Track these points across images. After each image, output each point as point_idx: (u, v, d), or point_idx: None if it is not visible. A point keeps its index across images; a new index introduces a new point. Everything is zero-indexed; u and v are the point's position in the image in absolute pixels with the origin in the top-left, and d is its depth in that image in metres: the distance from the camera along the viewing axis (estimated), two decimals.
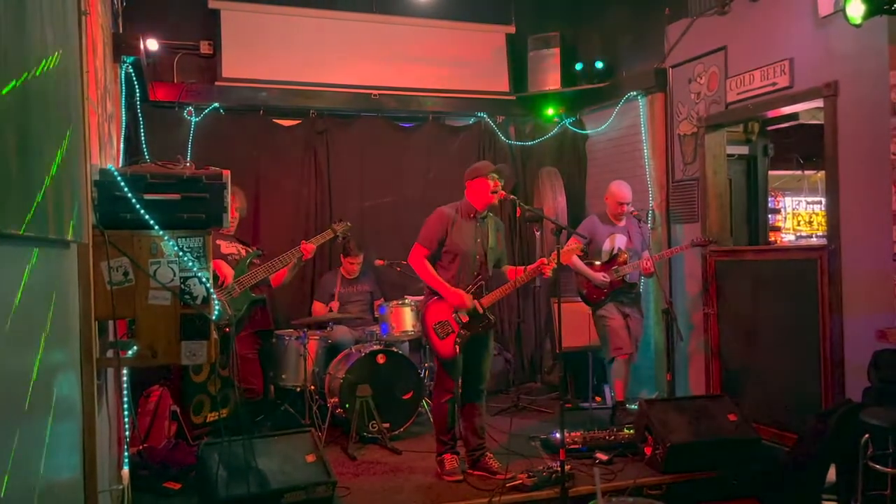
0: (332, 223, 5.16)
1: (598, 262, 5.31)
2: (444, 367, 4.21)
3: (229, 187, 2.79)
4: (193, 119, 5.95)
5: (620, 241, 5.31)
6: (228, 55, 6.14)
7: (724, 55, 5.29)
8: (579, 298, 5.49)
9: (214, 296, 4.01)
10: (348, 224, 5.13)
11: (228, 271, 4.55)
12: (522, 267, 4.28)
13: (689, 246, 5.26)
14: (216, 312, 2.72)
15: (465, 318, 4.14)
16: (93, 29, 2.99)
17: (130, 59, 4.71)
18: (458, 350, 4.10)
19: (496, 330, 5.53)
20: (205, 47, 6.20)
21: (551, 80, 6.68)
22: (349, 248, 5.81)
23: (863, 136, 4.26)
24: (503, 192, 4.27)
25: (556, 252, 3.92)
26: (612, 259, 5.28)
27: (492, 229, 4.31)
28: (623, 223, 5.33)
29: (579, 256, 5.22)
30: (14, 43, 1.41)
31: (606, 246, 5.30)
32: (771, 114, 5.22)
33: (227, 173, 2.76)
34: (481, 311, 4.16)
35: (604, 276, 5.20)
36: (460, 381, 4.35)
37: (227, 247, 4.78)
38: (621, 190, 5.32)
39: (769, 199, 7.29)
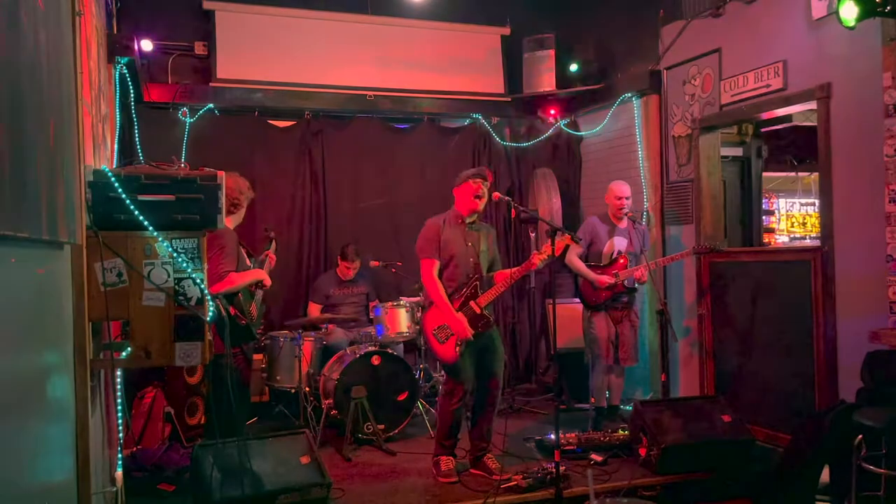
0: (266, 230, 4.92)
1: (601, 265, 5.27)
2: (450, 373, 4.22)
3: (224, 188, 2.78)
4: (188, 120, 5.94)
5: (621, 243, 5.22)
6: (223, 56, 6.13)
7: (719, 57, 5.31)
8: (575, 300, 5.46)
9: (259, 299, 4.02)
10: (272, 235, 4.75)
11: (266, 275, 4.39)
12: (510, 269, 4.29)
13: (689, 254, 5.21)
14: (210, 314, 2.71)
15: (464, 319, 4.15)
16: (87, 29, 2.99)
17: (125, 60, 4.69)
18: (458, 353, 4.11)
19: None
20: (199, 48, 6.20)
21: (546, 81, 6.69)
22: (346, 253, 5.80)
23: (856, 138, 4.28)
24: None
25: (548, 243, 3.95)
26: (613, 262, 5.23)
27: (482, 234, 4.35)
28: (624, 224, 5.25)
29: (580, 257, 5.21)
30: (7, 44, 1.40)
31: (607, 248, 5.21)
32: (765, 115, 5.23)
33: (221, 174, 2.76)
34: (479, 311, 4.18)
35: (607, 279, 5.08)
36: (472, 386, 4.31)
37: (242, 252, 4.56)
38: (620, 185, 5.29)
39: (763, 200, 7.30)
